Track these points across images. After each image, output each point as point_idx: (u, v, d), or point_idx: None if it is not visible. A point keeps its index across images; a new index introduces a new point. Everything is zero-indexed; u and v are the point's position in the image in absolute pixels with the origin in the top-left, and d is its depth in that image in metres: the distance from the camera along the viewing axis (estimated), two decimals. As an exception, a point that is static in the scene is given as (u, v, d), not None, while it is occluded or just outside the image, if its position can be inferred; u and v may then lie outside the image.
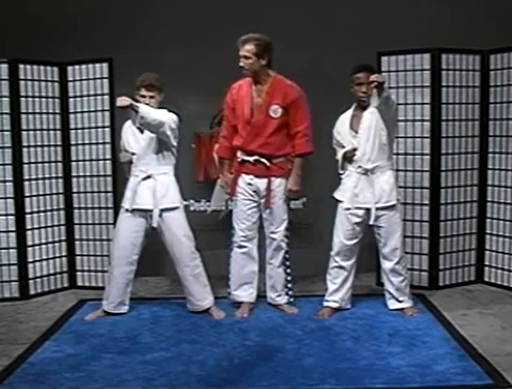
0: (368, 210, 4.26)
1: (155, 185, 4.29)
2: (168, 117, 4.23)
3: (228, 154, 4.45)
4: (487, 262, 5.08)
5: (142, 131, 4.33)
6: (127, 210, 4.34)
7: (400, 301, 4.40)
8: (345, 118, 4.34)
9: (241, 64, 4.22)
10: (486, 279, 5.08)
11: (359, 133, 4.22)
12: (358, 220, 4.29)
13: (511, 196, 4.88)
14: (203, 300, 4.44)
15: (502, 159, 4.92)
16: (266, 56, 4.22)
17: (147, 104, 4.23)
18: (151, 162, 4.31)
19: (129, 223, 4.36)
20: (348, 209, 4.27)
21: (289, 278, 4.53)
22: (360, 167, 4.23)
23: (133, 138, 4.37)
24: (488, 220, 5.04)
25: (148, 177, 4.31)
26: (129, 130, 4.39)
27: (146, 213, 4.34)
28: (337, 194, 4.36)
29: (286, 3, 5.27)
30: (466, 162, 5.00)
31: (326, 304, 4.42)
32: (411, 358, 3.64)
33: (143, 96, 4.25)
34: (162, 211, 4.30)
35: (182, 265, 4.38)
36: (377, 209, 4.25)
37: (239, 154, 4.39)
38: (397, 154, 4.84)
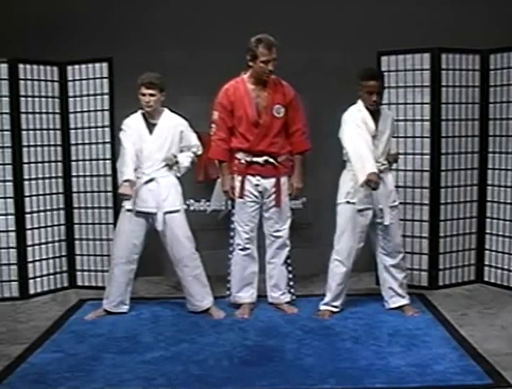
0: (378, 210, 4.25)
1: (159, 189, 4.30)
2: (195, 144, 4.49)
3: (227, 156, 4.42)
4: (487, 262, 5.07)
5: (151, 132, 4.33)
6: (129, 210, 4.34)
7: (403, 297, 4.42)
8: (366, 116, 4.19)
9: (271, 68, 4.20)
10: (486, 279, 5.08)
11: (378, 135, 4.20)
12: (367, 222, 4.28)
13: (511, 196, 4.88)
14: (203, 300, 4.45)
15: (502, 159, 4.92)
16: None
17: (147, 102, 4.24)
18: (156, 165, 4.31)
19: (130, 223, 4.36)
20: (361, 211, 4.24)
21: (291, 276, 4.55)
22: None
23: (140, 139, 4.31)
24: (488, 220, 5.04)
25: (151, 180, 4.31)
26: (135, 129, 4.33)
27: (147, 215, 4.35)
28: (348, 197, 4.26)
29: (286, 3, 5.27)
30: (466, 162, 5.00)
31: (325, 308, 4.41)
32: (411, 358, 3.65)
33: (143, 95, 4.25)
34: (164, 213, 4.31)
35: (182, 265, 4.39)
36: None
37: (242, 156, 4.36)
38: (397, 154, 4.83)
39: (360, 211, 4.25)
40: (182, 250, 4.37)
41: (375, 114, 4.23)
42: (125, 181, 4.17)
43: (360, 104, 4.24)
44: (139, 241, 4.39)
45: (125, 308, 4.49)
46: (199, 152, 4.54)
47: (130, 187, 4.18)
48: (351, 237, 4.28)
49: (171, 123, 4.37)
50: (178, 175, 4.42)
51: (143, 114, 4.37)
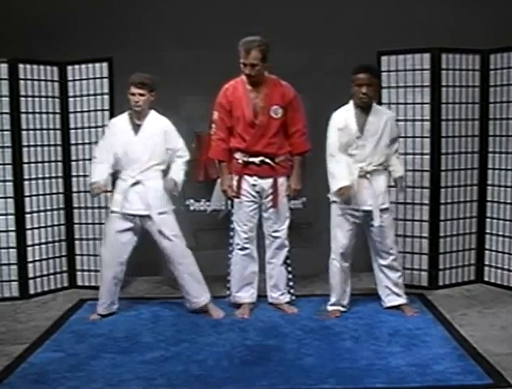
0: (365, 212, 4.25)
1: (146, 191, 4.30)
2: (183, 150, 4.44)
3: (226, 156, 4.42)
4: (487, 262, 5.07)
5: (136, 133, 4.32)
6: (115, 212, 4.34)
7: (399, 296, 4.42)
8: (349, 117, 4.22)
9: (247, 72, 4.19)
10: (486, 278, 5.08)
11: (364, 135, 4.19)
12: (356, 220, 4.29)
13: (511, 196, 4.88)
14: (199, 297, 4.45)
15: (502, 158, 4.92)
16: (268, 58, 4.22)
17: (136, 102, 4.24)
18: (142, 167, 4.30)
19: (118, 225, 4.35)
20: (347, 210, 4.25)
21: (290, 276, 4.55)
22: (361, 168, 4.20)
23: (125, 140, 4.30)
24: (488, 220, 5.04)
25: (137, 182, 4.31)
26: (120, 130, 4.34)
27: (135, 217, 4.35)
28: (334, 197, 4.30)
29: (286, 3, 5.28)
30: (466, 162, 5.00)
31: (333, 308, 4.40)
32: (411, 358, 3.65)
33: (133, 94, 4.24)
34: (158, 214, 4.32)
35: (176, 263, 4.39)
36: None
37: (239, 155, 4.36)
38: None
39: (345, 210, 4.25)
40: (173, 248, 4.37)
41: (365, 111, 4.21)
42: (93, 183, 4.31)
43: (350, 104, 4.25)
44: (127, 242, 4.38)
45: (114, 308, 4.48)
46: (186, 158, 4.46)
47: (99, 186, 4.29)
48: (341, 235, 4.30)
49: (156, 125, 4.35)
50: (176, 194, 4.42)
51: (130, 114, 4.36)
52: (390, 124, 4.27)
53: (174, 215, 4.43)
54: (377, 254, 4.40)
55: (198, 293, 4.45)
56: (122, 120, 4.38)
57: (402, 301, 4.43)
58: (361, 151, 4.19)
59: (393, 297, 4.44)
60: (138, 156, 4.29)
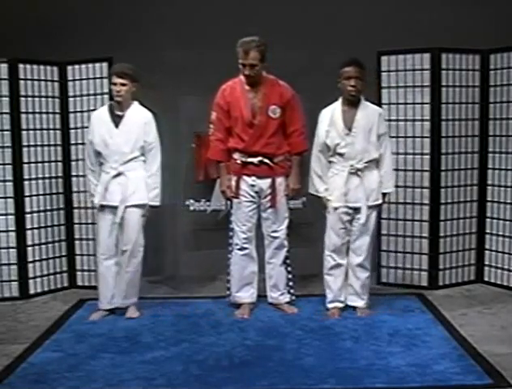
0: (357, 209, 4.25)
1: (127, 182, 4.29)
2: (158, 149, 4.37)
3: (224, 156, 4.42)
4: (487, 262, 5.07)
5: (117, 125, 4.30)
6: (100, 206, 4.35)
7: (361, 299, 4.39)
8: (335, 114, 4.24)
9: (247, 72, 4.19)
10: (486, 278, 5.08)
11: (353, 131, 4.19)
12: (349, 218, 4.29)
13: (511, 196, 4.88)
14: (129, 297, 4.43)
15: (502, 158, 4.92)
16: (266, 57, 4.22)
17: (117, 91, 4.23)
18: (123, 159, 4.29)
19: (104, 218, 4.37)
20: (338, 208, 4.25)
21: (290, 276, 4.55)
22: (351, 166, 4.20)
23: (106, 132, 4.29)
24: (488, 220, 5.04)
25: (119, 174, 4.30)
26: (101, 122, 4.33)
27: (116, 209, 4.33)
28: (326, 194, 4.31)
29: (286, 3, 5.27)
30: (466, 162, 5.00)
31: (332, 305, 4.40)
32: (411, 358, 3.64)
33: (114, 84, 4.24)
34: (129, 206, 4.31)
35: (123, 256, 4.37)
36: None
37: (238, 156, 4.36)
38: (397, 154, 4.85)
39: (337, 208, 4.25)
40: (130, 242, 4.34)
41: (354, 107, 4.20)
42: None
43: (338, 101, 4.26)
44: (115, 233, 4.38)
45: (116, 302, 4.47)
46: (158, 158, 4.39)
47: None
48: (334, 233, 4.32)
49: (138, 116, 4.34)
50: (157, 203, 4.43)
51: (111, 105, 4.36)
52: (378, 119, 4.25)
53: (144, 211, 4.37)
54: (352, 251, 4.36)
55: (126, 296, 4.41)
56: (102, 112, 4.38)
57: (361, 303, 4.39)
58: (351, 148, 4.18)
59: (355, 298, 4.40)
60: (120, 148, 4.28)
